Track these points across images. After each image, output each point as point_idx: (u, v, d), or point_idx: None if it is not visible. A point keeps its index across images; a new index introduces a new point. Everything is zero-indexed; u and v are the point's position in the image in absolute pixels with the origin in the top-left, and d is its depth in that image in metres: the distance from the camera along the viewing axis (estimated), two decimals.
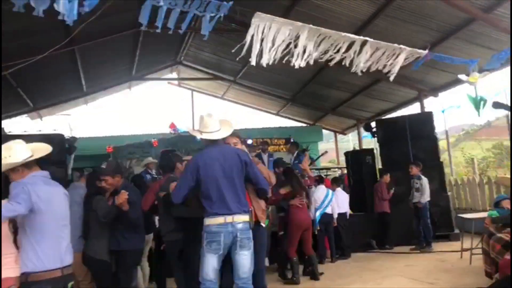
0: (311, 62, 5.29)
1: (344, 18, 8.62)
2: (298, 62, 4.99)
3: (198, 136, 4.02)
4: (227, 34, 10.08)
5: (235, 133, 4.45)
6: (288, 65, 5.25)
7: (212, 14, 4.27)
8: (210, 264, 3.69)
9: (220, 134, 3.97)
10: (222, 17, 4.38)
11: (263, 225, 4.19)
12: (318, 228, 7.89)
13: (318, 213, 7.87)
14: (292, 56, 5.10)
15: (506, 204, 5.50)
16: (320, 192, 7.95)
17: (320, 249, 7.88)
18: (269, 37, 4.73)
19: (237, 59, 4.72)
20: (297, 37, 5.00)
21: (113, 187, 4.59)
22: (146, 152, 11.65)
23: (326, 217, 7.95)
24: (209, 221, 3.73)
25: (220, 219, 3.70)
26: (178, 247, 4.67)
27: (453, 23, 8.10)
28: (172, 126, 12.72)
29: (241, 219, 3.73)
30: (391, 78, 6.31)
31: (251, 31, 4.60)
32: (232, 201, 3.73)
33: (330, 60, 5.65)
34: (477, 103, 6.71)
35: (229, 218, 3.69)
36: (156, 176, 8.47)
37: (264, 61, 4.80)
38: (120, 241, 4.47)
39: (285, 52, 5.09)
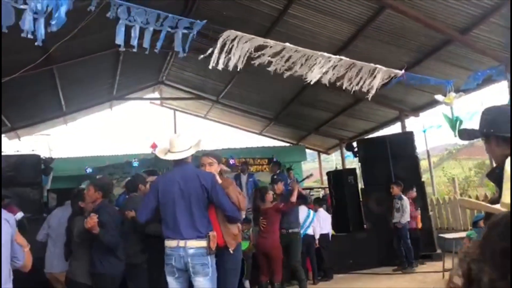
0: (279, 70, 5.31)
1: (325, 39, 8.69)
2: (261, 60, 4.98)
3: (161, 157, 3.98)
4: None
5: (211, 153, 4.41)
6: (269, 83, 5.25)
7: (185, 31, 4.25)
8: (171, 286, 3.75)
9: (183, 154, 3.90)
10: (195, 35, 4.35)
11: (231, 251, 4.02)
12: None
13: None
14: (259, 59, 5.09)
15: (483, 223, 5.48)
16: (300, 212, 7.84)
17: None
18: (239, 46, 4.72)
19: (210, 66, 4.68)
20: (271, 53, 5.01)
21: (91, 200, 4.49)
22: (127, 173, 11.48)
23: (307, 238, 7.85)
24: (165, 242, 3.80)
25: (173, 242, 3.72)
26: (140, 270, 4.54)
27: (430, 44, 8.22)
28: (154, 146, 12.55)
29: (194, 245, 3.67)
30: (370, 97, 6.34)
31: (220, 41, 4.60)
32: (185, 226, 3.69)
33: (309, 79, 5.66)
34: (453, 123, 6.77)
35: (181, 243, 3.68)
36: None
37: (231, 65, 4.78)
38: (96, 263, 4.33)
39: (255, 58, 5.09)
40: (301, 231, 7.78)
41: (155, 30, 4.16)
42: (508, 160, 1.23)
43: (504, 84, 7.44)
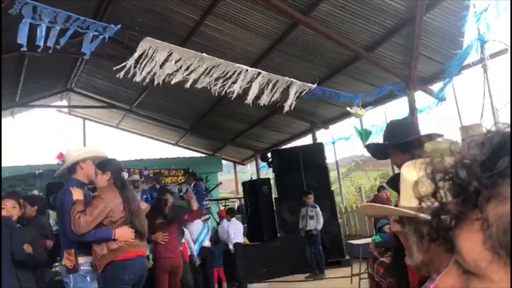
0: (200, 86, 5.30)
1: (240, 51, 8.83)
2: (178, 78, 4.96)
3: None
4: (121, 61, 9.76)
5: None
6: (185, 93, 5.19)
7: (96, 33, 4.08)
8: None
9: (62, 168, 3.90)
10: (107, 39, 4.19)
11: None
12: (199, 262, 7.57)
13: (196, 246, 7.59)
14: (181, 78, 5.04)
15: (388, 229, 5.84)
16: (195, 226, 7.61)
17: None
18: (158, 59, 4.64)
19: (119, 76, 4.52)
20: (189, 64, 4.97)
21: None
22: (30, 185, 10.83)
23: (204, 251, 7.69)
24: None
25: None
26: None
27: (340, 60, 8.67)
28: (60, 156, 11.82)
29: (61, 263, 3.80)
30: (286, 110, 6.54)
31: (138, 52, 4.48)
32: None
33: (228, 91, 5.72)
34: (362, 134, 7.20)
35: None
36: None
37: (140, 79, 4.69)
38: None
39: (174, 75, 5.02)
40: (196, 246, 7.55)
41: (63, 29, 3.91)
42: (403, 166, 1.33)
43: (405, 99, 8.04)
